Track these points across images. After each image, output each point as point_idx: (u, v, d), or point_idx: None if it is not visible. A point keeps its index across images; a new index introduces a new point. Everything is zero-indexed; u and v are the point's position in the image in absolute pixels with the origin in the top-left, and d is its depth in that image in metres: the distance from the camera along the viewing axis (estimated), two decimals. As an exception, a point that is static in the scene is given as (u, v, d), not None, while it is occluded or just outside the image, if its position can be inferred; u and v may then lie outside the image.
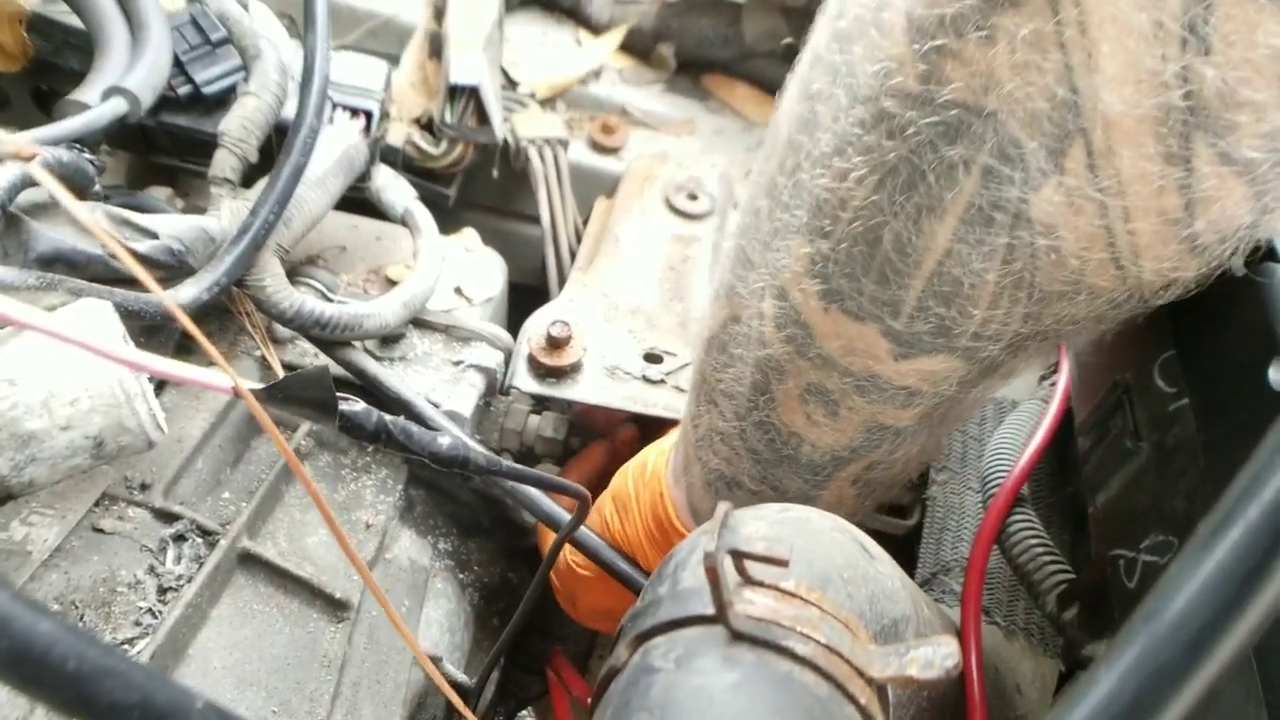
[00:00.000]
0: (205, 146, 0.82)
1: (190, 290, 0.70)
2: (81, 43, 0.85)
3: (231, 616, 0.72)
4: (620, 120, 1.18)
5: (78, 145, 0.69)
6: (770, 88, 1.25)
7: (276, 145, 0.83)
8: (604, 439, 0.92)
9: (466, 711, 0.50)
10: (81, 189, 0.68)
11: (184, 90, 0.82)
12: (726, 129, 1.23)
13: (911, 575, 0.62)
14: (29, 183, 0.64)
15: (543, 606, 0.92)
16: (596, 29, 1.27)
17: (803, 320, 0.50)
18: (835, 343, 0.50)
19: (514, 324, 0.98)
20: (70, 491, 0.70)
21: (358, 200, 0.95)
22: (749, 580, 0.37)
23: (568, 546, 0.79)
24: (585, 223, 1.13)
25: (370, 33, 1.13)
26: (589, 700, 0.44)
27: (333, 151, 0.84)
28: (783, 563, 0.35)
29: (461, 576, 0.94)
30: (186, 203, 0.90)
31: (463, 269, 1.01)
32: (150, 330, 0.79)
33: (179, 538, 0.73)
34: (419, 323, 0.92)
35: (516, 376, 0.86)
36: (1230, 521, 0.24)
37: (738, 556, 0.36)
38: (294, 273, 0.90)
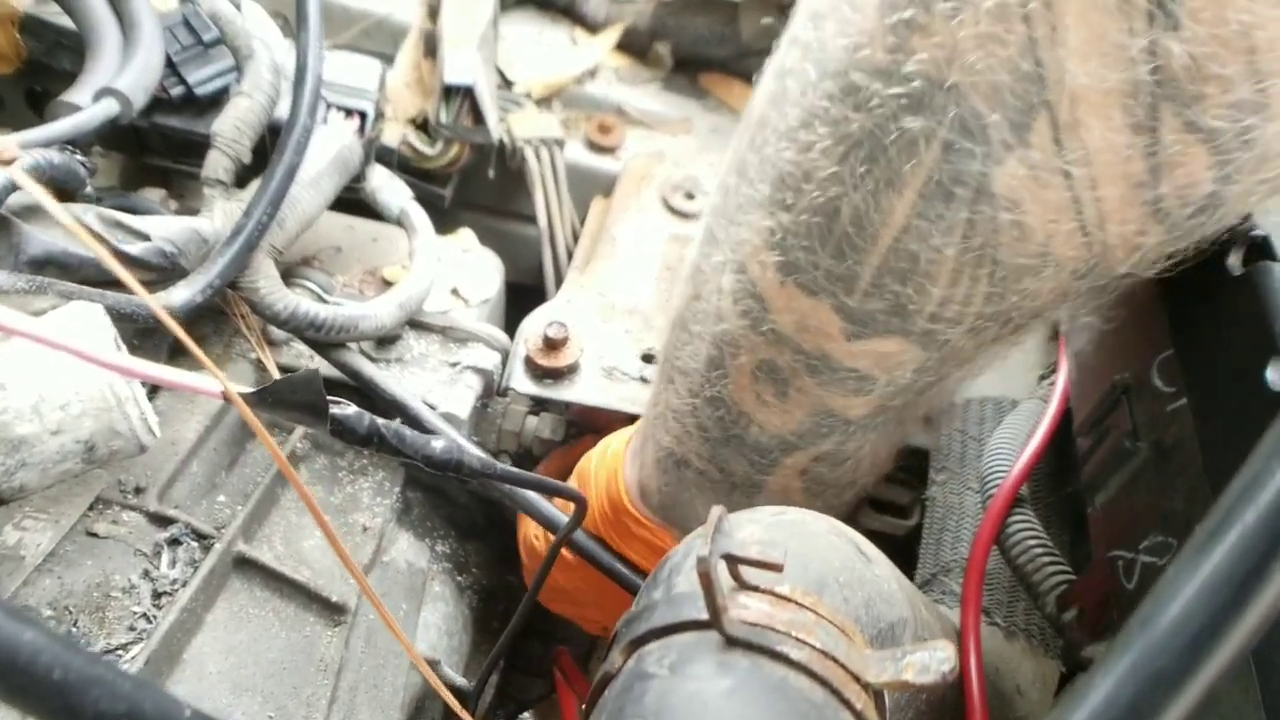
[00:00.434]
0: (198, 147, 0.82)
1: (183, 293, 0.70)
2: (74, 44, 0.84)
3: (227, 621, 0.72)
4: (617, 120, 1.18)
5: (69, 147, 0.68)
6: (767, 86, 1.24)
7: (270, 145, 0.82)
8: (595, 435, 0.92)
9: (465, 715, 0.49)
10: (73, 191, 0.68)
11: (176, 91, 0.82)
12: (723, 127, 1.23)
13: (911, 576, 0.62)
14: (18, 185, 0.63)
15: (542, 609, 0.92)
16: (592, 28, 1.26)
17: (759, 293, 0.50)
18: (789, 317, 0.49)
19: (511, 324, 0.98)
20: (64, 496, 0.69)
21: (353, 201, 0.95)
22: (743, 585, 0.36)
23: (536, 530, 0.80)
24: (582, 222, 1.13)
25: (364, 32, 1.12)
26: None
27: (327, 152, 0.84)
28: (777, 567, 0.35)
29: (460, 579, 0.94)
30: (180, 204, 0.90)
31: (459, 270, 1.00)
32: (144, 333, 0.78)
33: (174, 541, 0.73)
34: (415, 324, 0.91)
35: (513, 378, 0.85)
36: (1227, 526, 0.24)
37: (732, 561, 0.36)
38: (289, 274, 0.90)
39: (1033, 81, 0.38)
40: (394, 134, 1.06)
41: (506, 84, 1.18)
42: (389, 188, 0.95)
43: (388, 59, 1.09)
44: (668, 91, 1.26)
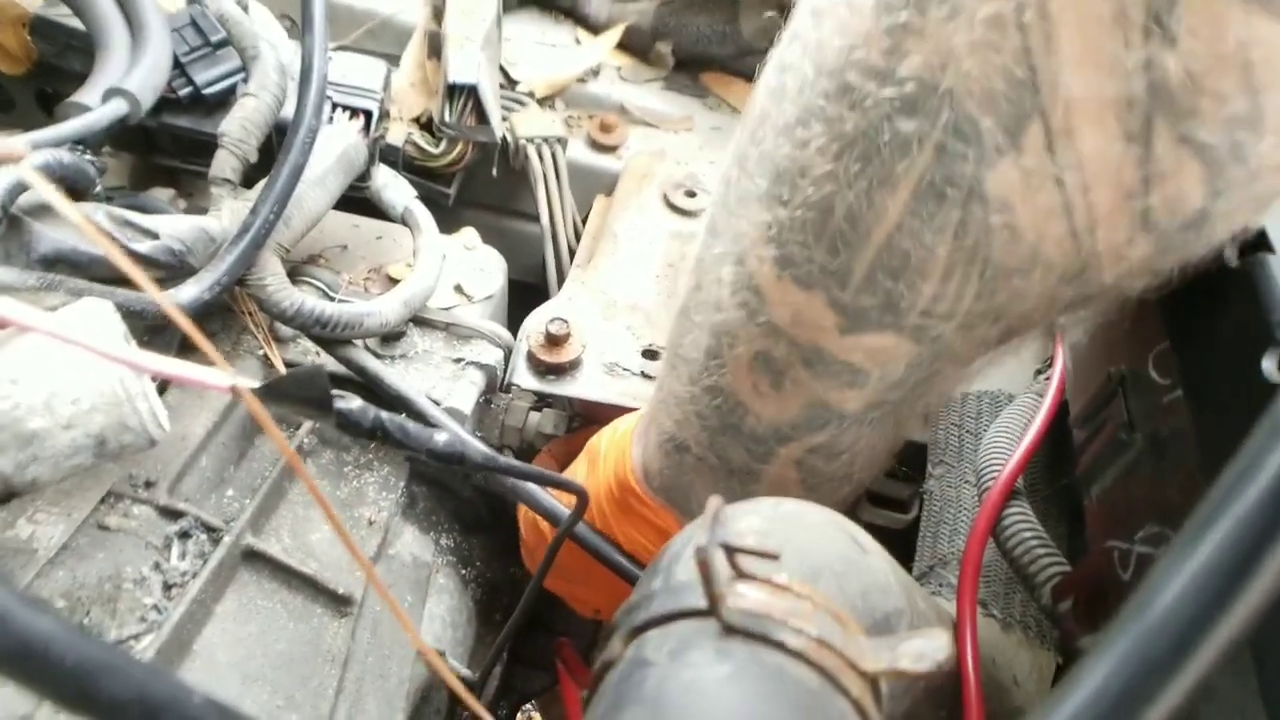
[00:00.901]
0: (206, 147, 0.83)
1: (191, 290, 0.71)
2: (84, 45, 0.85)
3: (236, 612, 0.73)
4: (619, 118, 1.18)
5: (79, 147, 0.69)
6: (769, 84, 1.24)
7: (276, 145, 0.83)
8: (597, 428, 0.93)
9: (474, 703, 0.50)
10: (83, 190, 0.69)
11: (184, 91, 0.83)
12: (724, 125, 1.23)
13: (910, 569, 0.63)
14: (30, 184, 0.64)
15: (545, 601, 0.92)
16: (594, 27, 1.27)
17: (756, 285, 0.51)
18: (784, 310, 0.50)
19: (514, 321, 0.98)
20: (75, 489, 0.70)
21: (358, 200, 0.96)
22: (741, 574, 0.37)
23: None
24: (584, 221, 1.14)
25: (369, 33, 1.13)
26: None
27: (332, 151, 0.85)
28: (774, 556, 0.36)
29: (464, 572, 0.95)
30: (189, 203, 0.91)
31: (463, 267, 1.01)
32: (154, 330, 0.79)
33: (184, 534, 0.74)
34: (419, 320, 0.92)
35: (516, 374, 0.86)
36: (1219, 514, 0.24)
37: (730, 550, 0.36)
38: (295, 272, 0.91)
39: (1026, 89, 0.38)
40: (399, 133, 1.07)
41: (510, 83, 1.19)
42: (393, 187, 0.96)
43: (393, 59, 1.10)
44: (669, 90, 1.27)
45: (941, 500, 0.70)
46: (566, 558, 0.76)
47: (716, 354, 0.56)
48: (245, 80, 0.84)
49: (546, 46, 1.24)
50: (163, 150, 0.89)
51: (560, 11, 1.29)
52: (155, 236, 0.70)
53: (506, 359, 0.93)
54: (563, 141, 1.14)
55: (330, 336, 0.81)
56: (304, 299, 0.79)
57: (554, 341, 0.85)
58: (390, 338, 0.90)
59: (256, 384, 0.47)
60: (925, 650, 0.35)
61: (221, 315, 0.88)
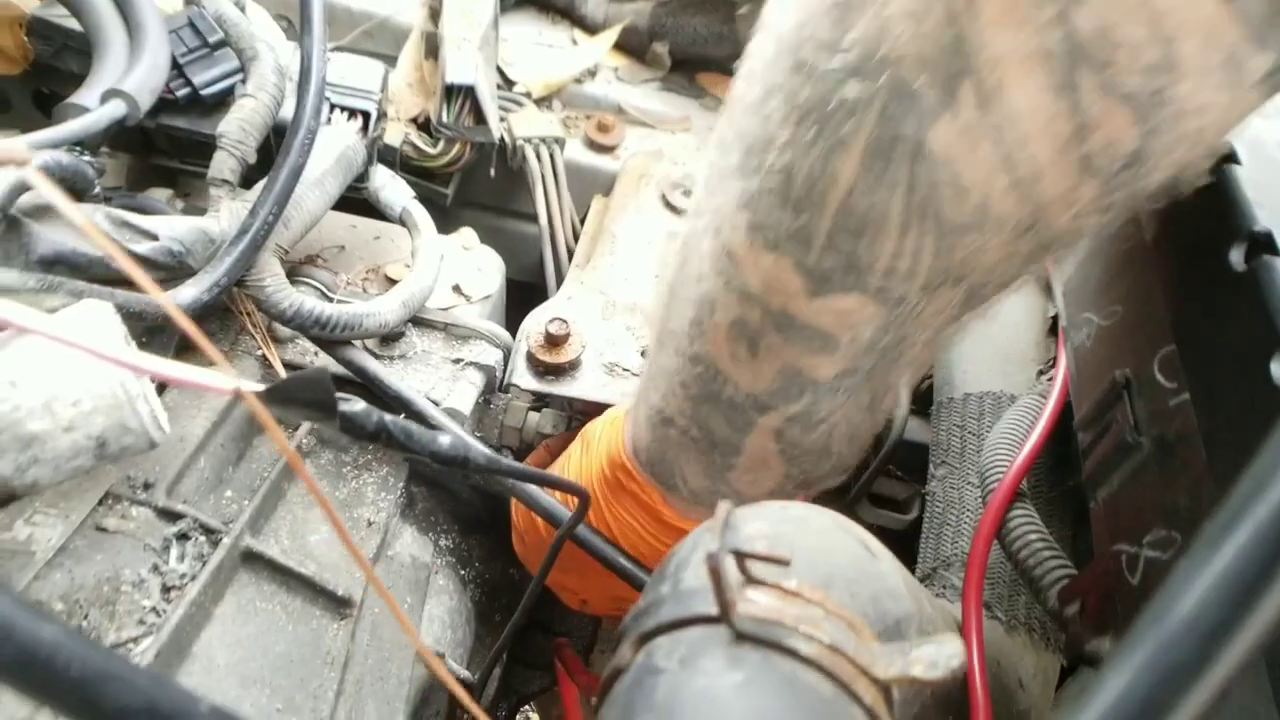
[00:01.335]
0: (204, 148, 0.82)
1: (190, 291, 0.70)
2: (81, 45, 0.85)
3: (235, 614, 0.72)
4: (616, 119, 1.18)
5: (78, 148, 0.69)
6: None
7: (275, 146, 0.83)
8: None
9: (473, 706, 0.50)
10: (81, 192, 0.69)
11: (182, 93, 0.82)
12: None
13: (912, 570, 0.63)
14: (29, 186, 0.64)
15: (544, 602, 0.92)
16: (592, 28, 1.27)
17: (730, 252, 0.54)
18: (755, 275, 0.53)
19: (512, 321, 0.98)
20: (74, 491, 0.70)
21: (356, 200, 0.95)
22: (751, 580, 0.37)
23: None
24: (582, 221, 1.13)
25: (366, 34, 1.12)
26: (596, 694, 0.44)
27: (330, 152, 0.85)
28: (784, 561, 0.35)
29: (463, 573, 0.94)
30: (187, 204, 0.91)
31: (461, 267, 1.01)
32: (153, 330, 0.79)
33: (182, 536, 0.73)
34: (418, 321, 0.92)
35: (516, 374, 0.86)
36: (1238, 519, 0.24)
37: (740, 556, 0.36)
38: (293, 272, 0.90)
39: (955, 51, 0.41)
40: (396, 134, 1.06)
41: (507, 84, 1.19)
42: (391, 187, 0.95)
43: (390, 60, 1.10)
44: (666, 91, 1.27)
45: (944, 502, 0.70)
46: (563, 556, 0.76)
47: (699, 323, 0.59)
48: (243, 81, 0.84)
49: (543, 47, 1.24)
50: (160, 151, 0.88)
51: (557, 12, 1.29)
52: (154, 238, 0.70)
53: (505, 359, 0.93)
54: (560, 142, 1.14)
55: (329, 337, 0.81)
56: (303, 300, 0.78)
57: (553, 342, 0.85)
58: (389, 338, 0.90)
59: (258, 385, 0.47)
60: (938, 657, 0.35)
61: (220, 315, 0.88)
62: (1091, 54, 0.39)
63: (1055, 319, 0.77)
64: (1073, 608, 0.53)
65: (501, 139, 1.11)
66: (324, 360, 0.86)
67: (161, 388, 0.80)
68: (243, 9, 0.91)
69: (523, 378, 0.85)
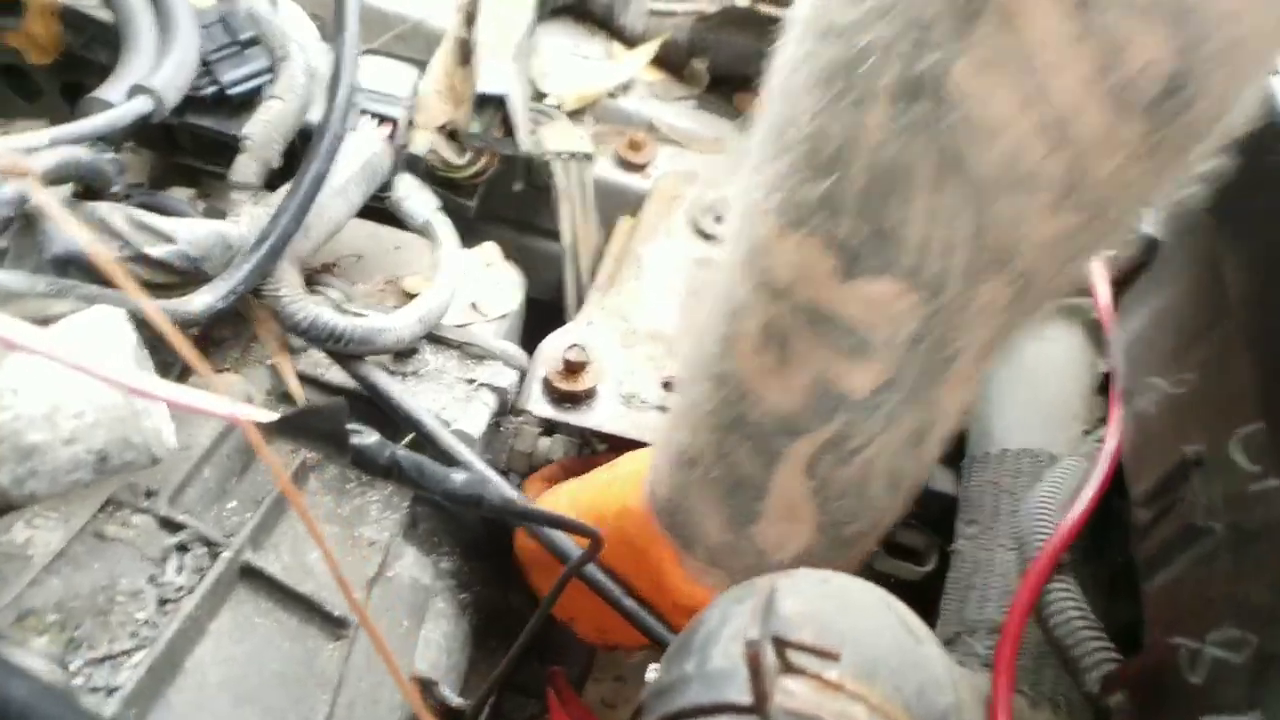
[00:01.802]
0: (227, 148, 0.81)
1: (205, 298, 0.69)
2: (111, 37, 0.84)
3: (231, 630, 0.71)
4: (648, 137, 1.16)
5: (101, 144, 0.67)
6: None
7: (300, 150, 0.81)
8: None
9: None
10: (101, 189, 0.67)
11: (209, 90, 0.81)
12: (755, 150, 1.21)
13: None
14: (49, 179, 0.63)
15: (541, 629, 0.90)
16: (630, 41, 1.25)
17: (759, 244, 0.53)
18: (784, 263, 0.52)
19: (530, 339, 0.96)
20: (76, 494, 0.69)
21: (377, 208, 0.94)
22: (790, 667, 0.35)
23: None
24: (607, 241, 1.11)
25: (398, 37, 1.11)
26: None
27: (356, 159, 0.83)
28: (834, 656, 0.33)
29: (462, 597, 0.93)
30: (208, 204, 0.89)
31: (480, 283, 0.99)
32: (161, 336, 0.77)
33: (181, 548, 0.72)
34: (434, 337, 0.90)
35: (530, 400, 0.84)
36: None
37: (780, 644, 0.34)
38: (310, 280, 0.89)
39: None
40: (422, 142, 1.04)
41: (538, 95, 1.17)
42: (415, 197, 0.94)
43: (420, 64, 1.08)
44: (702, 109, 1.25)
45: (972, 562, 0.68)
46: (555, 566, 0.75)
47: (727, 338, 0.57)
48: (272, 82, 0.82)
49: (578, 58, 1.22)
50: (184, 149, 0.87)
51: (594, 22, 1.27)
52: (171, 241, 0.68)
53: (520, 381, 0.91)
54: (589, 158, 1.12)
55: (343, 351, 0.79)
56: (319, 312, 0.77)
57: (571, 369, 0.83)
58: (403, 353, 0.88)
59: (261, 414, 0.45)
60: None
61: (233, 321, 0.86)
62: None
63: (1106, 376, 0.74)
64: (1116, 697, 0.50)
65: (529, 152, 1.10)
66: (337, 372, 0.85)
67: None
68: (275, 6, 0.89)
69: (537, 404, 0.83)
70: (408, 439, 0.84)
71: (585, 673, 1.06)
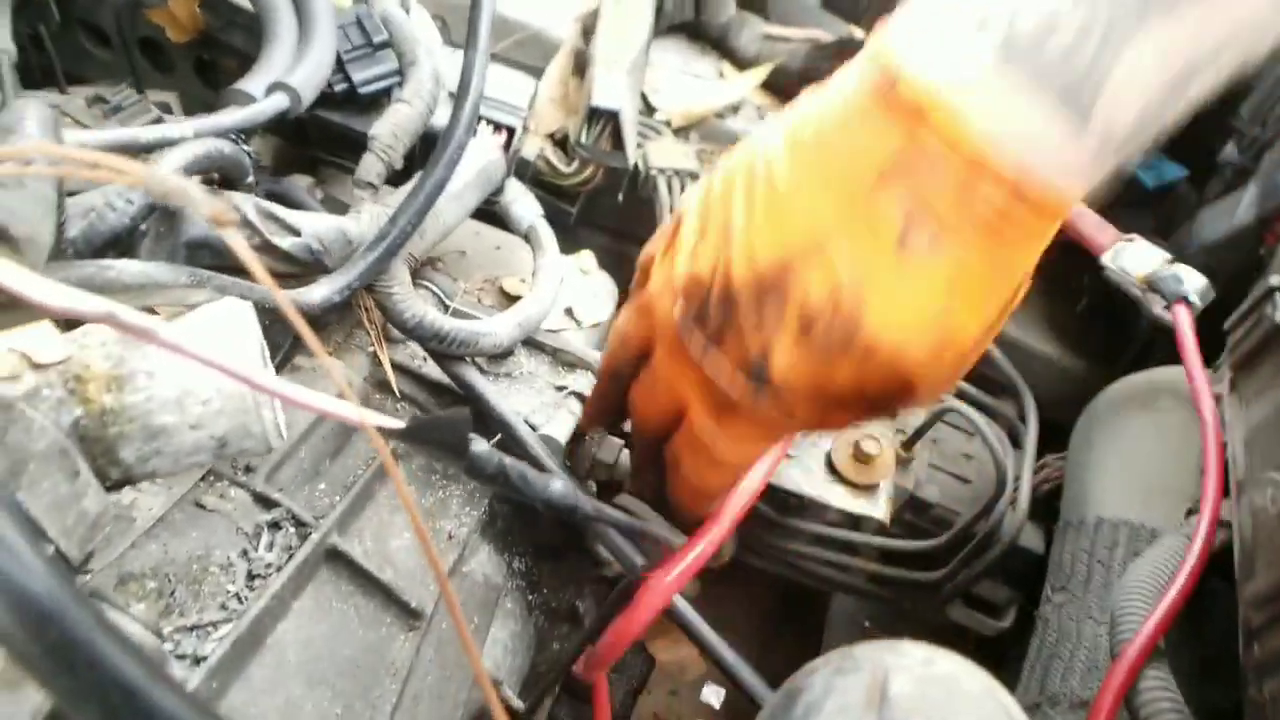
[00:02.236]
0: (352, 144, 0.84)
1: (323, 290, 0.71)
2: (248, 23, 0.87)
3: (312, 611, 0.73)
4: (752, 160, 1.16)
5: (239, 137, 0.70)
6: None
7: (420, 152, 0.84)
8: None
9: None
10: (236, 181, 0.70)
11: (341, 88, 0.83)
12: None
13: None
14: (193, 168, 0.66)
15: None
16: (741, 63, 1.25)
17: None
18: None
19: (617, 350, 0.97)
20: (182, 464, 0.71)
21: (483, 209, 0.96)
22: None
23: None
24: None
25: (518, 44, 1.13)
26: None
27: (473, 166, 0.85)
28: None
29: (531, 598, 0.94)
30: (325, 192, 0.92)
31: (576, 290, 1.01)
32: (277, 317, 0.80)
33: (274, 525, 0.74)
34: (528, 341, 0.92)
35: (620, 415, 0.85)
36: None
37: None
38: (415, 274, 0.91)
39: None
40: (532, 148, 1.07)
41: (648, 110, 1.18)
42: (521, 202, 0.95)
43: (535, 71, 1.10)
44: (807, 137, 1.24)
45: (1058, 632, 0.66)
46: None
47: None
48: (400, 85, 0.85)
49: (689, 77, 1.23)
50: (310, 141, 0.90)
51: (708, 42, 1.27)
52: (297, 233, 0.71)
53: (608, 394, 0.92)
54: (694, 176, 1.13)
55: (444, 351, 0.81)
56: (425, 312, 0.79)
57: (661, 389, 0.83)
58: (498, 355, 0.90)
59: (391, 422, 0.47)
60: None
61: (338, 307, 0.89)
62: None
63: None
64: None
65: (635, 166, 1.11)
66: (432, 367, 0.87)
67: (279, 366, 0.82)
68: (407, 9, 0.92)
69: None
70: (493, 441, 0.86)
71: (641, 685, 1.07)
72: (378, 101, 0.85)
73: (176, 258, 0.65)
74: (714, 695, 1.11)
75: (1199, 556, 0.59)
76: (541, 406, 0.89)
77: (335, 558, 0.76)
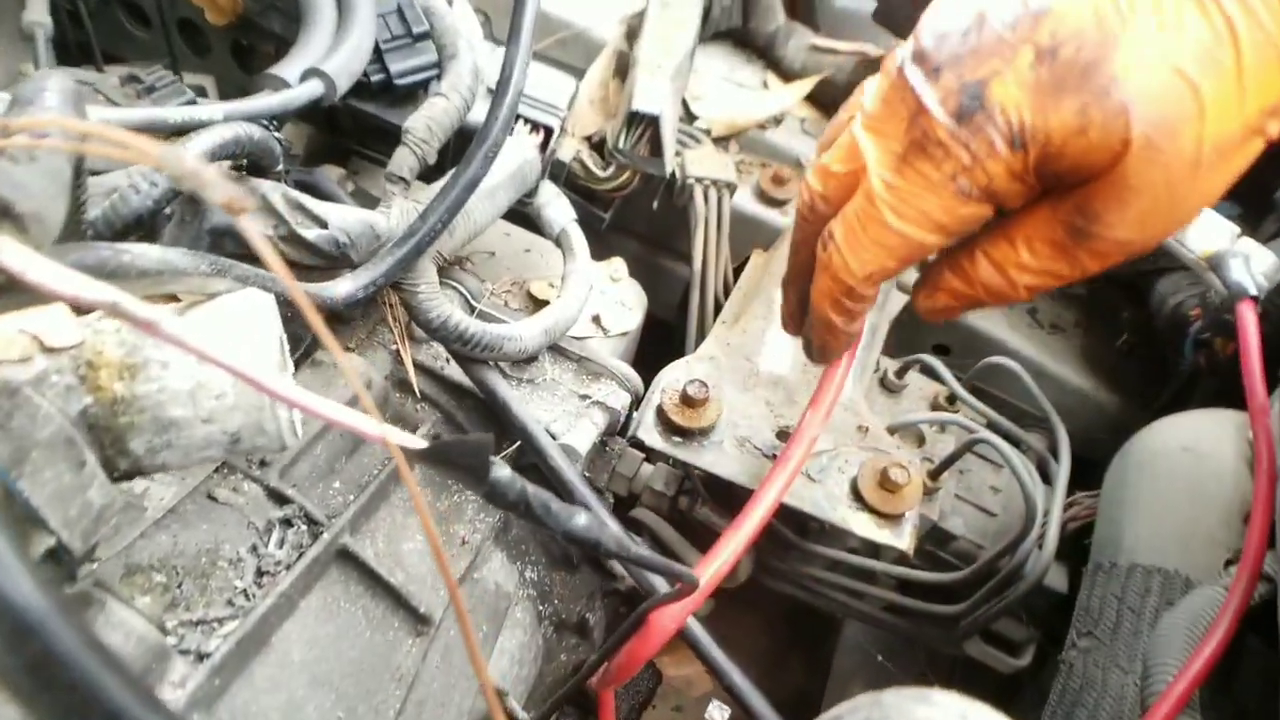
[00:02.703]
0: (386, 135, 0.82)
1: (347, 285, 0.69)
2: (287, 7, 0.86)
3: (319, 611, 0.72)
4: (793, 172, 1.14)
5: (270, 123, 0.69)
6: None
7: (455, 148, 0.82)
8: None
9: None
10: (266, 167, 0.69)
11: (377, 78, 0.82)
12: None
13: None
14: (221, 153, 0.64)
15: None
16: (786, 74, 1.23)
17: None
18: None
19: (642, 357, 0.95)
20: (195, 455, 0.70)
21: (514, 210, 0.94)
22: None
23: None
24: (737, 272, 1.10)
25: (560, 42, 1.11)
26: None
27: (508, 165, 0.83)
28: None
29: (541, 609, 0.92)
30: (356, 184, 0.90)
31: (605, 298, 0.99)
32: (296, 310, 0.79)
33: (286, 522, 0.73)
34: (554, 347, 0.90)
35: (643, 428, 0.83)
36: None
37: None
38: (442, 273, 0.89)
39: None
40: (568, 150, 1.05)
41: (689, 117, 1.16)
42: (554, 205, 0.94)
43: (576, 71, 1.08)
44: (849, 153, 1.22)
45: (1082, 678, 0.64)
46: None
47: None
48: (439, 78, 0.83)
49: (733, 85, 1.20)
50: (343, 130, 0.89)
51: (754, 51, 1.25)
52: (324, 225, 0.69)
53: (631, 405, 0.90)
54: (731, 187, 1.10)
55: (468, 354, 0.79)
56: (450, 312, 0.77)
57: (689, 403, 0.81)
58: (522, 360, 0.88)
59: (410, 439, 0.45)
60: None
61: (362, 303, 0.87)
62: None
63: (1247, 505, 0.69)
64: None
65: (672, 173, 1.09)
66: (454, 369, 0.85)
67: (298, 362, 0.80)
68: (450, 1, 0.90)
69: (649, 434, 0.82)
70: (512, 448, 0.84)
71: (646, 700, 1.05)
72: (414, 94, 0.84)
73: (200, 244, 0.64)
74: (719, 713, 1.09)
75: (1237, 609, 0.56)
76: (563, 415, 0.87)
77: (346, 558, 0.74)
